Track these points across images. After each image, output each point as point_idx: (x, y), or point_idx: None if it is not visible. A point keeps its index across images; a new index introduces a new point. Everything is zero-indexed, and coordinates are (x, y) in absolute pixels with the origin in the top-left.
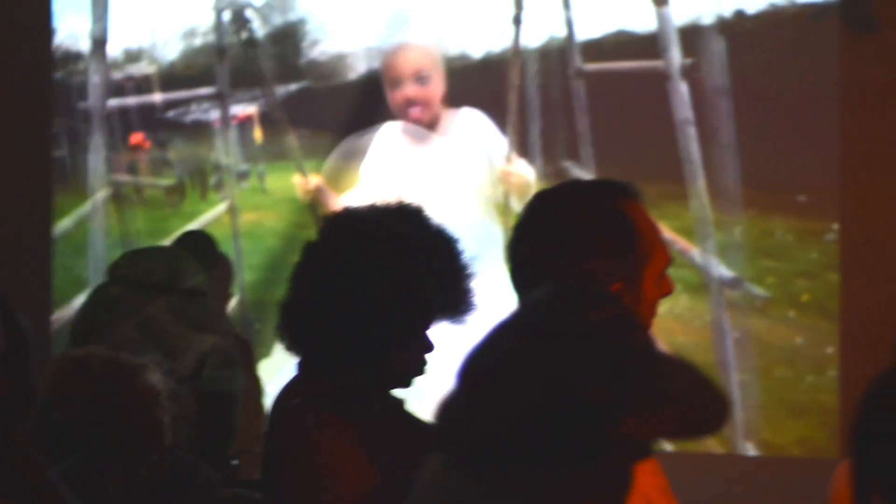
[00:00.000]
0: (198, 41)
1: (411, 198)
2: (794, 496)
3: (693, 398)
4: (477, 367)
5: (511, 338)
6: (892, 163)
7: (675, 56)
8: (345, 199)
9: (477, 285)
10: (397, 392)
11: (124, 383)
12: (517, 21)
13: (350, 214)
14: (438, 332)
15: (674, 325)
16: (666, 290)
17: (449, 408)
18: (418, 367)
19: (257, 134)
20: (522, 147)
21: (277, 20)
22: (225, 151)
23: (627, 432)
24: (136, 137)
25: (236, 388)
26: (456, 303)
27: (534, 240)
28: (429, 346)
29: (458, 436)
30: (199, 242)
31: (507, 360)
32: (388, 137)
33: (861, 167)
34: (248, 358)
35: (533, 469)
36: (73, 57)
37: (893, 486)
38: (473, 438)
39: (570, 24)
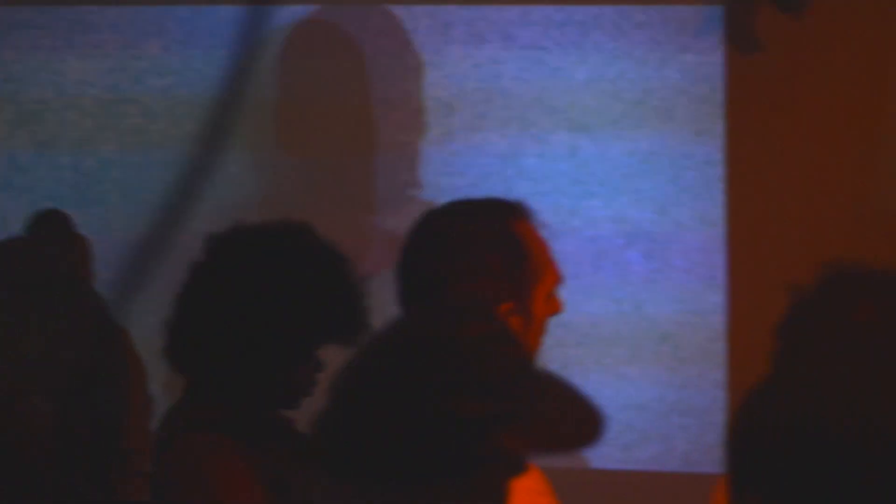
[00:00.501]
0: None
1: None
2: None
3: (568, 413)
4: (353, 379)
5: (387, 351)
6: (779, 185)
7: None
8: None
9: (369, 304)
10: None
11: (3, 410)
12: None
13: (236, 233)
14: (329, 351)
15: None
16: (554, 308)
17: (326, 420)
18: (308, 388)
19: None
20: None
21: None
22: None
23: (501, 447)
24: None
25: (121, 374)
26: (346, 322)
27: (423, 260)
28: (318, 366)
29: (335, 449)
30: (56, 223)
31: (382, 372)
32: None
33: (748, 192)
34: (127, 343)
35: (408, 484)
36: None
37: (770, 497)
38: (349, 452)
39: None
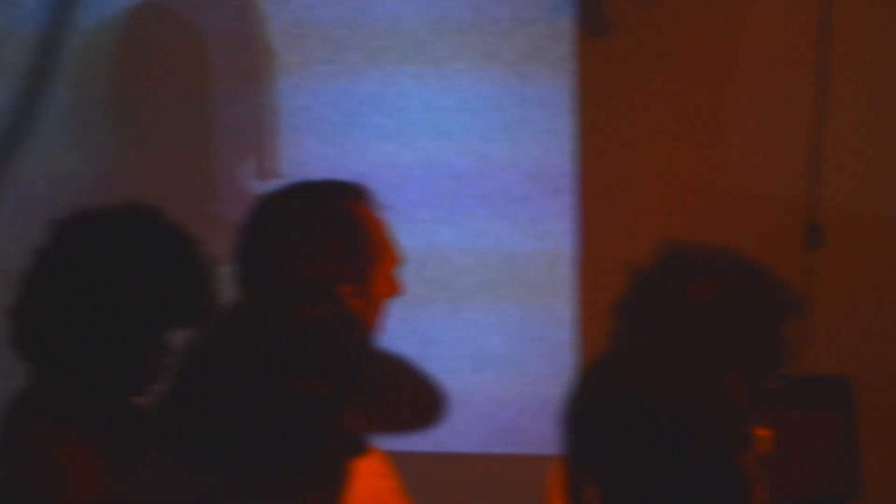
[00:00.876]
0: None
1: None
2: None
3: (409, 394)
4: (193, 363)
5: (227, 333)
6: (630, 171)
7: None
8: None
9: (218, 287)
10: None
11: None
12: None
13: (80, 218)
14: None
15: None
16: (393, 290)
17: (168, 405)
18: (156, 374)
19: None
20: None
21: None
22: None
23: (343, 428)
24: None
25: None
26: (195, 307)
27: (262, 243)
28: (167, 352)
29: (177, 434)
30: None
31: (222, 355)
32: None
33: (599, 174)
34: None
35: (251, 466)
36: None
37: (605, 475)
38: (191, 436)
39: None
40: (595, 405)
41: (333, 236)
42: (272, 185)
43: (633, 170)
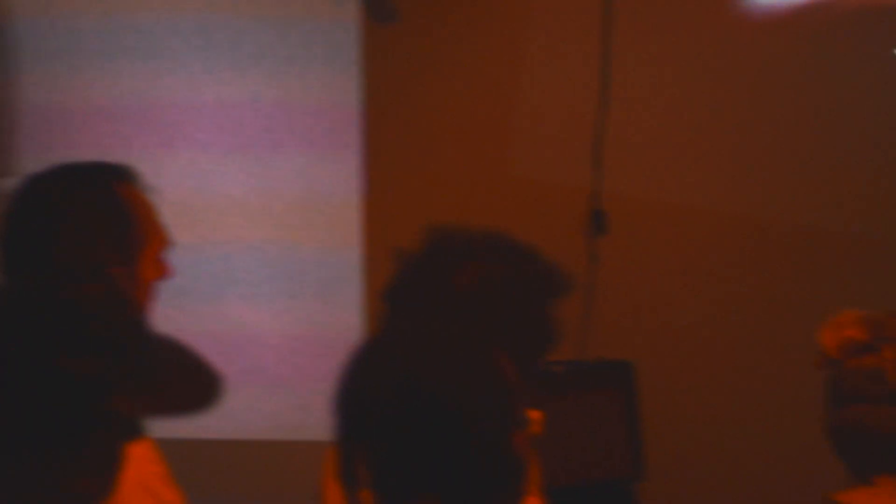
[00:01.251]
0: None
1: None
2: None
3: (184, 378)
4: None
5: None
6: (418, 158)
7: None
8: None
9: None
10: None
11: None
12: None
13: None
14: None
15: None
16: (162, 273)
17: None
18: None
19: None
20: None
21: None
22: None
23: (116, 409)
24: None
25: None
26: None
27: (28, 225)
28: None
29: None
30: None
31: None
32: None
33: (386, 159)
34: None
35: (19, 449)
36: None
37: (377, 458)
38: None
39: None
40: (365, 387)
41: (100, 219)
42: (37, 166)
43: (421, 156)
